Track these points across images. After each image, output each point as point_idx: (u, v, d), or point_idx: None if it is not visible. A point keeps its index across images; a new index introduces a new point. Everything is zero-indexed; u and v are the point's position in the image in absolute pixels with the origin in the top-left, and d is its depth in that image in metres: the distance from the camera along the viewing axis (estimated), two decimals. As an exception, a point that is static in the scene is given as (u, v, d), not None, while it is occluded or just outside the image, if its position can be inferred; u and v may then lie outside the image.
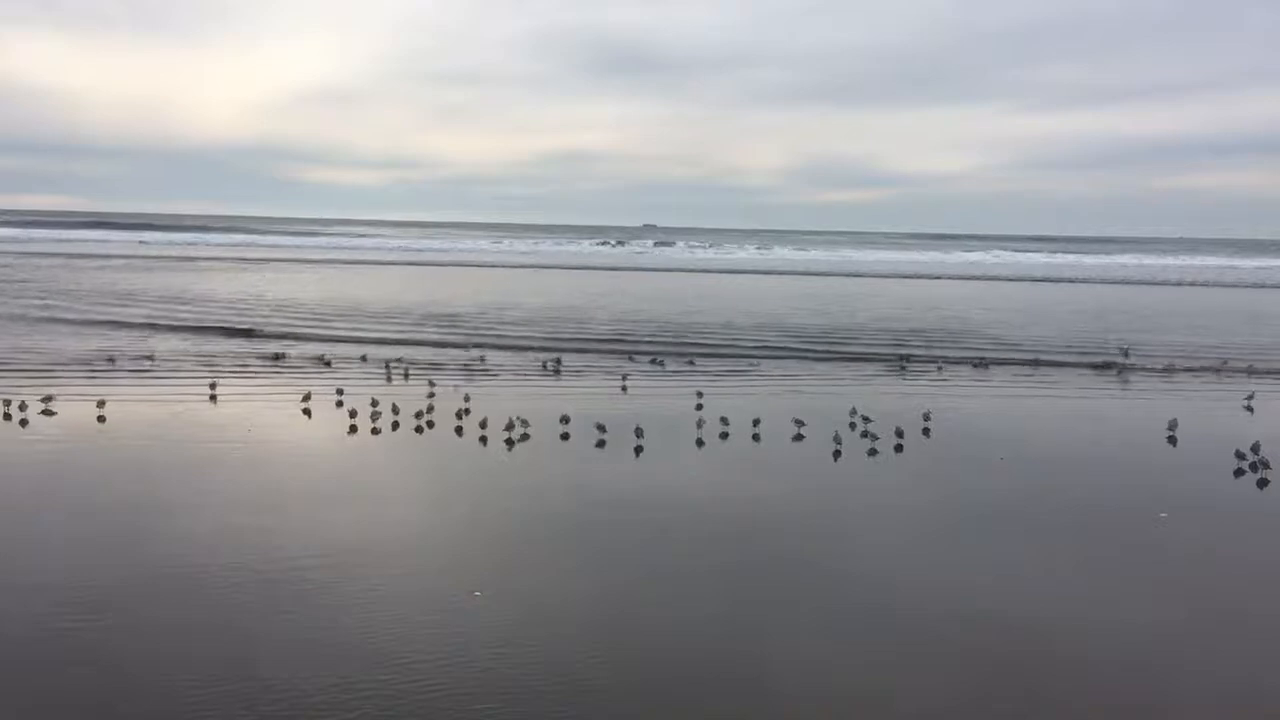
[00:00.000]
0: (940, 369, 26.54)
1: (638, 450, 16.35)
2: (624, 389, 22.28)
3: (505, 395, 21.15)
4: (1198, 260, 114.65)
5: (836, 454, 16.38)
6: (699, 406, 19.26)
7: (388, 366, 24.31)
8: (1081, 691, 8.42)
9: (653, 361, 26.68)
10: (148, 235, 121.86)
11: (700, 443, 16.99)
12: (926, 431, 18.18)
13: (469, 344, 29.68)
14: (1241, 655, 9.24)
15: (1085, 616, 9.91)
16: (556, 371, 24.82)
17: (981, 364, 27.44)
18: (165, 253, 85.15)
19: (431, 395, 19.98)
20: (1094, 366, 27.80)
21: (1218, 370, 27.32)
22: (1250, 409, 21.06)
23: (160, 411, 18.90)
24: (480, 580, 10.46)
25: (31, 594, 9.86)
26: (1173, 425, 18.41)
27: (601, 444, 16.70)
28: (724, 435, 17.53)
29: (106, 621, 9.27)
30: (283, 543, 11.44)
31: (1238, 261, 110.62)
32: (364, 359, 26.04)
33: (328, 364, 25.20)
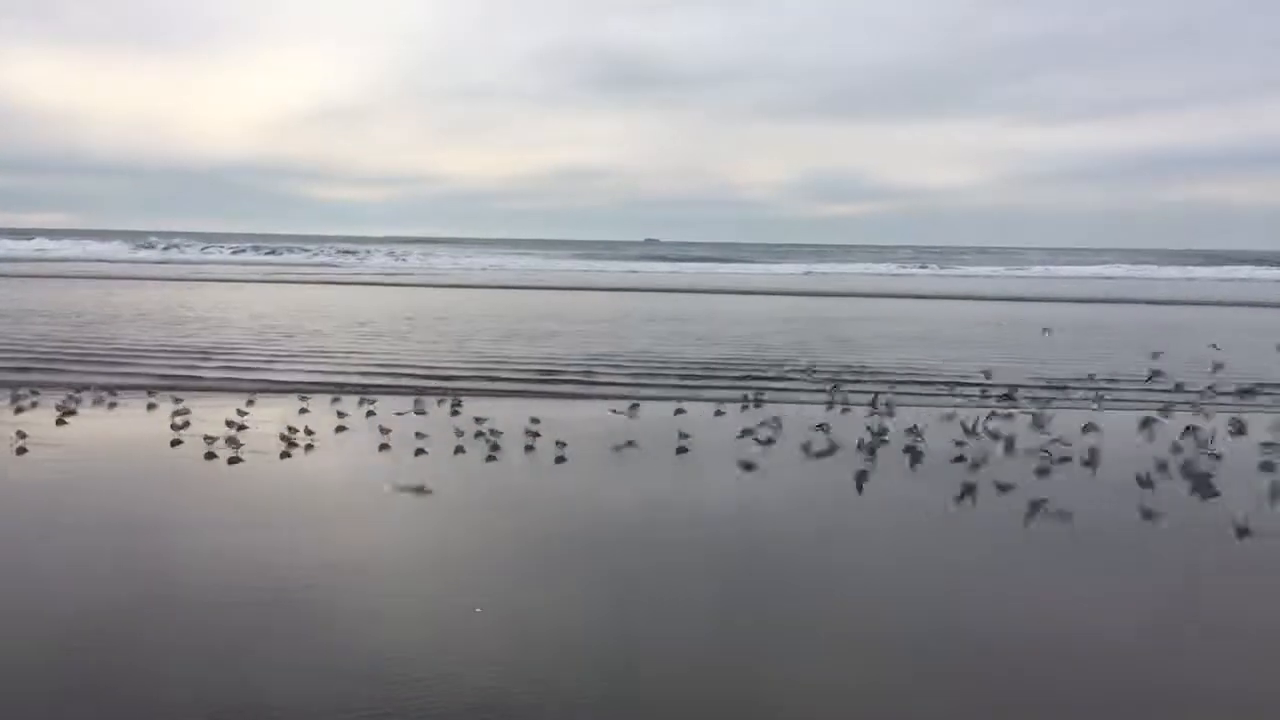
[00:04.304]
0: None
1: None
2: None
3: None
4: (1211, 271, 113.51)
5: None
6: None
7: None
8: (1090, 703, 8.28)
9: None
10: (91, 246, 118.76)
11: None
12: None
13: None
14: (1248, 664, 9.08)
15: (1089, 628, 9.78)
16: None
17: None
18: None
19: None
20: None
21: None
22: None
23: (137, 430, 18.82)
24: (481, 597, 10.34)
25: (23, 621, 9.73)
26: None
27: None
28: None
29: (101, 644, 9.13)
30: (274, 560, 11.33)
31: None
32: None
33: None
